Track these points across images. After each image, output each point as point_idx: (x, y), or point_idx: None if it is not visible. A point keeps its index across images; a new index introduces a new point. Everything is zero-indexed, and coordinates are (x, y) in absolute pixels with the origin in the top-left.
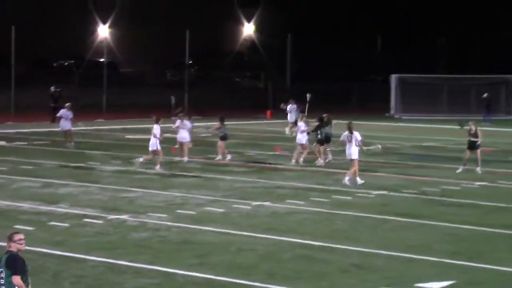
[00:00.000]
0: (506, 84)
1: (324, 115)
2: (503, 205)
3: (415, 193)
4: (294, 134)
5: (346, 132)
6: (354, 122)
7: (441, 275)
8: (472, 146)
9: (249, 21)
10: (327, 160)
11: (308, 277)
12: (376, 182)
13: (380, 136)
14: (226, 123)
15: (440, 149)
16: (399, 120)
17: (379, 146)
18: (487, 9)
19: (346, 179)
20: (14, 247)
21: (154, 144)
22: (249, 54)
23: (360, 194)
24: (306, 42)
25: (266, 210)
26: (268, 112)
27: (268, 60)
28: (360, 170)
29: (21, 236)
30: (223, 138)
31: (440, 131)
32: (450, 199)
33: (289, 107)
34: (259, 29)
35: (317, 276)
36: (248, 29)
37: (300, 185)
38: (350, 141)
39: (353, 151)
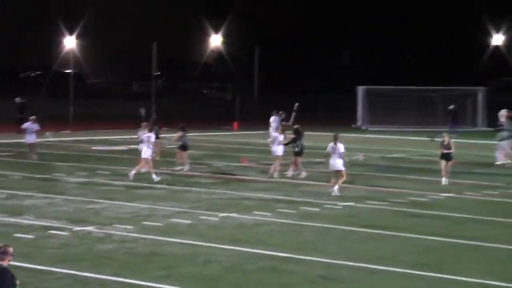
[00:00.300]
0: (472, 96)
1: (296, 126)
2: (470, 216)
3: (382, 205)
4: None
5: (331, 144)
6: (319, 133)
7: (408, 286)
8: (446, 157)
9: (216, 32)
10: (296, 172)
11: None
12: (344, 194)
13: (347, 147)
14: (189, 134)
15: (407, 161)
16: (366, 131)
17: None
18: (453, 22)
19: (335, 189)
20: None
21: (147, 152)
22: (216, 66)
23: (327, 206)
24: (274, 53)
25: (233, 221)
26: (235, 124)
27: (236, 71)
28: (326, 180)
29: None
30: (184, 147)
31: (407, 143)
32: (417, 211)
33: (272, 118)
34: (226, 40)
35: (282, 287)
36: (216, 41)
37: (267, 196)
38: (335, 153)
39: (338, 162)
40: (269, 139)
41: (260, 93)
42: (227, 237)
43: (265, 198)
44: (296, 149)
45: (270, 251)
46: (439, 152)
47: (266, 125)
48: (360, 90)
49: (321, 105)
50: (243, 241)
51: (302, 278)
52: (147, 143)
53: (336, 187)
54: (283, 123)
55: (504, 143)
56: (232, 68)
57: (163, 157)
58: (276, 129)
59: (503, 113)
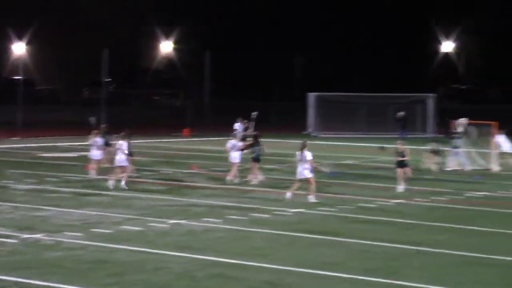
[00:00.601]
0: (422, 103)
1: (255, 133)
2: (418, 222)
3: (332, 211)
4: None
5: (298, 152)
6: (272, 140)
7: None
8: (401, 164)
9: (167, 38)
10: (257, 180)
11: None
12: (293, 200)
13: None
14: (136, 140)
15: (357, 167)
16: (317, 138)
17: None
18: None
19: (310, 197)
20: None
21: (122, 160)
22: (167, 72)
23: (277, 212)
24: (225, 60)
25: (182, 228)
26: (186, 130)
27: (187, 78)
28: (278, 187)
29: None
30: (129, 154)
31: (358, 149)
32: (366, 217)
33: (237, 125)
34: (177, 47)
35: None
36: (167, 47)
37: (217, 203)
38: (301, 160)
39: (305, 170)
40: (227, 145)
41: (211, 100)
42: (177, 244)
43: (214, 205)
44: (253, 155)
45: (219, 257)
46: (395, 159)
47: (217, 131)
48: (311, 97)
49: (272, 112)
50: (193, 248)
51: (250, 284)
52: (120, 151)
53: (311, 195)
54: (246, 132)
55: (460, 150)
56: (183, 74)
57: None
58: (253, 138)
59: (462, 122)
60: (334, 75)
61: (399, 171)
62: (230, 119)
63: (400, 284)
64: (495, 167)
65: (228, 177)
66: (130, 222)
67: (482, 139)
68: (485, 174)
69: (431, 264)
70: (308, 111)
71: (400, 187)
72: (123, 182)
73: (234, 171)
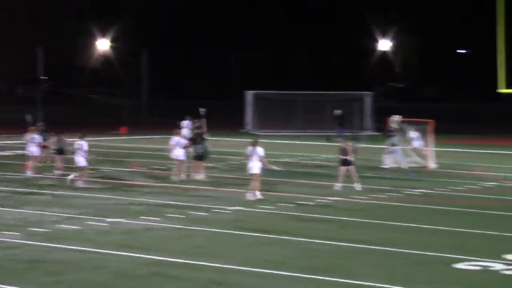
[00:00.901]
0: (360, 101)
1: (199, 131)
2: (357, 219)
3: (271, 209)
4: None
5: (250, 147)
6: (210, 138)
7: None
8: (345, 163)
9: (104, 36)
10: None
11: None
12: (232, 198)
13: (235, 152)
14: (70, 139)
15: (296, 165)
16: (255, 136)
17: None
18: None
19: (256, 194)
20: None
21: (81, 160)
22: (104, 70)
23: (216, 210)
24: (162, 58)
25: (122, 227)
26: (123, 128)
27: (124, 76)
28: (214, 185)
29: None
30: (59, 152)
31: (296, 147)
32: (305, 214)
33: (184, 123)
34: (114, 45)
35: None
36: (104, 45)
37: (156, 201)
38: (252, 156)
39: (255, 166)
40: (171, 142)
41: (148, 98)
42: (116, 242)
43: (154, 203)
44: (195, 153)
45: (160, 256)
46: (338, 157)
47: (155, 129)
48: (249, 95)
49: (210, 110)
50: (132, 246)
51: (192, 283)
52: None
53: (255, 191)
54: (197, 130)
55: (397, 148)
56: (120, 72)
57: (50, 162)
58: (195, 135)
59: (395, 119)
60: (271, 74)
61: (342, 169)
62: (167, 117)
63: (342, 282)
64: (431, 165)
65: (174, 176)
66: (69, 221)
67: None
68: (422, 171)
69: (372, 262)
70: (246, 109)
71: (339, 185)
72: (80, 182)
73: (179, 168)
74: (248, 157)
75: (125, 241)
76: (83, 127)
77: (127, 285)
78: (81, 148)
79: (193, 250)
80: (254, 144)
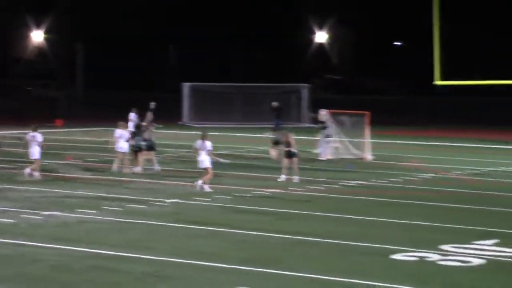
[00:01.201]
0: (297, 93)
1: (139, 123)
2: (294, 211)
3: (208, 201)
4: None
5: (199, 141)
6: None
7: (234, 282)
8: (288, 155)
9: (39, 28)
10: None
11: (102, 287)
12: (169, 190)
13: (172, 144)
14: (6, 132)
15: (233, 157)
16: (192, 128)
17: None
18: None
19: (199, 184)
20: None
21: (36, 153)
22: (39, 62)
23: (153, 203)
24: (98, 50)
25: (57, 220)
26: (59, 121)
27: (59, 68)
28: (152, 177)
29: None
30: None
31: (233, 139)
32: (242, 206)
33: (131, 115)
34: (49, 36)
35: (110, 286)
36: (38, 36)
37: (92, 194)
38: (202, 150)
39: (205, 159)
40: (115, 135)
41: (84, 90)
42: (52, 235)
43: (89, 196)
44: (134, 145)
45: (96, 249)
46: (281, 149)
47: (91, 122)
48: (186, 87)
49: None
50: (69, 239)
51: (129, 276)
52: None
53: (204, 184)
54: (151, 123)
55: (331, 139)
56: (55, 64)
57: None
58: (134, 127)
59: (322, 113)
60: (209, 66)
61: (285, 161)
62: (103, 110)
63: (280, 274)
64: (368, 156)
65: (115, 167)
66: (3, 214)
67: (355, 128)
68: (359, 163)
69: (311, 254)
70: (183, 101)
71: (283, 177)
72: (29, 171)
73: (122, 161)
74: (197, 150)
75: (61, 234)
76: (19, 119)
77: (65, 278)
78: (35, 140)
79: (129, 242)
80: (203, 137)
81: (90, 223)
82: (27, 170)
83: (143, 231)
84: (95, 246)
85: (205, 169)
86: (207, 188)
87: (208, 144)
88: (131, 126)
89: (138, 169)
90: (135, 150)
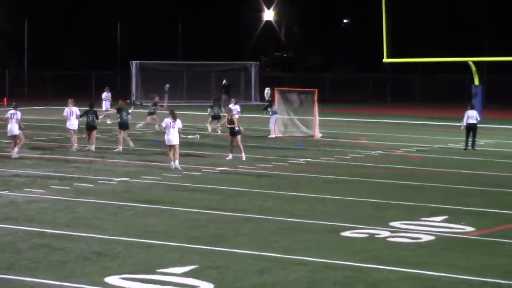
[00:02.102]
0: (245, 70)
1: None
2: (243, 189)
3: (156, 180)
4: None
5: (169, 118)
6: (96, 109)
7: (183, 260)
8: (232, 133)
9: None
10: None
11: (48, 266)
12: (117, 169)
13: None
14: None
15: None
16: (141, 106)
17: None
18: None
19: (175, 165)
20: None
21: (15, 129)
22: None
23: (101, 182)
24: (45, 28)
25: (4, 199)
26: (5, 99)
27: (4, 46)
28: (100, 156)
29: None
30: None
31: (181, 117)
32: (190, 185)
33: (104, 95)
34: None
35: (57, 265)
36: None
37: (39, 173)
38: (171, 127)
39: (174, 137)
40: (64, 113)
41: (30, 69)
42: None
43: (37, 175)
44: (88, 122)
45: (43, 228)
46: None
47: (36, 101)
48: (134, 64)
49: (95, 81)
50: (16, 219)
51: (76, 254)
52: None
53: (177, 162)
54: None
55: (277, 117)
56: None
57: None
58: (110, 106)
59: (266, 91)
60: (154, 44)
61: (231, 139)
62: (49, 88)
63: (229, 251)
64: (317, 134)
65: (74, 147)
66: None
67: (304, 106)
68: (307, 141)
69: (259, 231)
70: (131, 79)
71: (230, 156)
72: (15, 150)
73: (73, 138)
74: (165, 128)
75: (8, 213)
76: None
77: (10, 257)
78: (14, 118)
79: (76, 221)
80: (173, 116)
81: (38, 202)
82: (15, 150)
83: (90, 210)
84: (43, 225)
85: (173, 146)
86: (178, 165)
87: (178, 122)
88: (107, 105)
89: (119, 148)
90: (89, 128)
